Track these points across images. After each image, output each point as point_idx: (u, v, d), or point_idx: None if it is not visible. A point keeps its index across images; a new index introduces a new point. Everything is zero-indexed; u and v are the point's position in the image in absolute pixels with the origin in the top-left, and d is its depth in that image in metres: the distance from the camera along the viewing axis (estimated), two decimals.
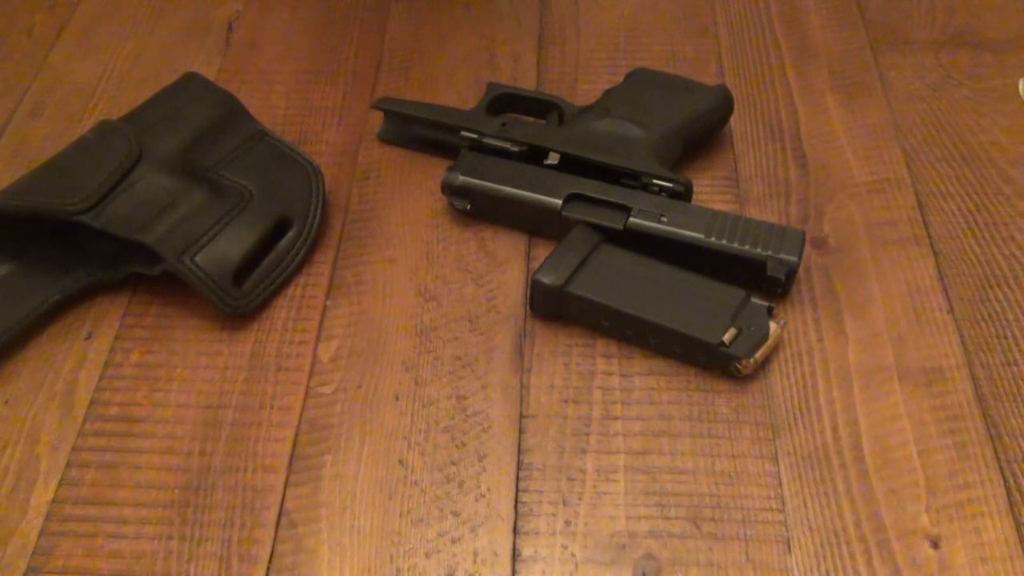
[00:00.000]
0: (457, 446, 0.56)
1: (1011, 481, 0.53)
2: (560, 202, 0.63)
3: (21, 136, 0.74)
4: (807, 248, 0.64)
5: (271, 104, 0.75)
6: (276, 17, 0.84)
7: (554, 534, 0.52)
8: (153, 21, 0.84)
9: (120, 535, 0.52)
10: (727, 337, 0.56)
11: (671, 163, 0.66)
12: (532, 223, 0.65)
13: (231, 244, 0.61)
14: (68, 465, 0.55)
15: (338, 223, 0.67)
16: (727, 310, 0.57)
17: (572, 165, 0.65)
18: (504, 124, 0.68)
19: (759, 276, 0.60)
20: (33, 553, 0.51)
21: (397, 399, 0.58)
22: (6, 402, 0.58)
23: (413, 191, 0.69)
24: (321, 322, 0.62)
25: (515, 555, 0.51)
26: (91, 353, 0.60)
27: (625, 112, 0.67)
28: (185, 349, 0.60)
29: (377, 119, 0.73)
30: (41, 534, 0.52)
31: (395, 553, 0.51)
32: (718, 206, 0.67)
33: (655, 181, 0.64)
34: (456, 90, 0.77)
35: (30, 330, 0.61)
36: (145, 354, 0.60)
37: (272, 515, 0.53)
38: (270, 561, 0.51)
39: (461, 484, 0.54)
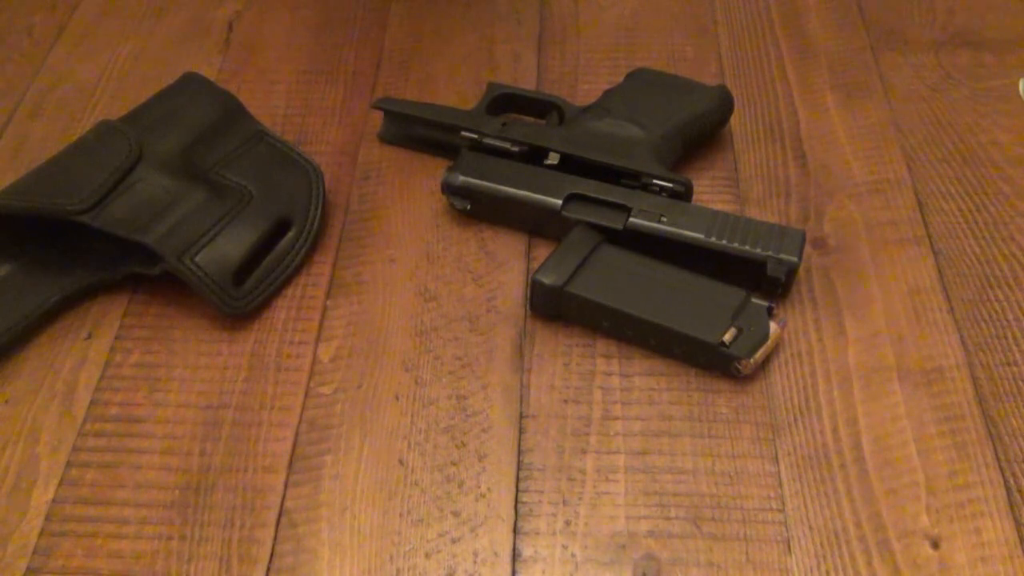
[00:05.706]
0: (457, 446, 0.56)
1: (1011, 481, 0.53)
2: (560, 202, 0.63)
3: (21, 136, 0.74)
4: (807, 248, 0.64)
5: (271, 104, 0.75)
6: (276, 17, 0.84)
7: (554, 534, 0.52)
8: (153, 21, 0.84)
9: (120, 535, 0.52)
10: (727, 337, 0.56)
11: (671, 163, 0.66)
12: (532, 223, 0.65)
13: (231, 244, 0.61)
14: (68, 465, 0.55)
15: (338, 223, 0.67)
16: (727, 310, 0.57)
17: (572, 165, 0.65)
18: (504, 124, 0.68)
19: (759, 276, 0.60)
20: (33, 553, 0.51)
21: (397, 399, 0.58)
22: (6, 402, 0.58)
23: (413, 191, 0.69)
24: (321, 322, 0.62)
25: (515, 555, 0.51)
26: (91, 353, 0.60)
27: (625, 112, 0.67)
28: (185, 349, 0.60)
29: (377, 119, 0.73)
30: (41, 534, 0.52)
31: (395, 553, 0.51)
32: (718, 206, 0.67)
33: (655, 181, 0.64)
34: (456, 90, 0.77)
35: (30, 330, 0.61)
36: (145, 354, 0.60)
37: (272, 515, 0.53)
38: (270, 561, 0.51)
39: (461, 484, 0.54)
